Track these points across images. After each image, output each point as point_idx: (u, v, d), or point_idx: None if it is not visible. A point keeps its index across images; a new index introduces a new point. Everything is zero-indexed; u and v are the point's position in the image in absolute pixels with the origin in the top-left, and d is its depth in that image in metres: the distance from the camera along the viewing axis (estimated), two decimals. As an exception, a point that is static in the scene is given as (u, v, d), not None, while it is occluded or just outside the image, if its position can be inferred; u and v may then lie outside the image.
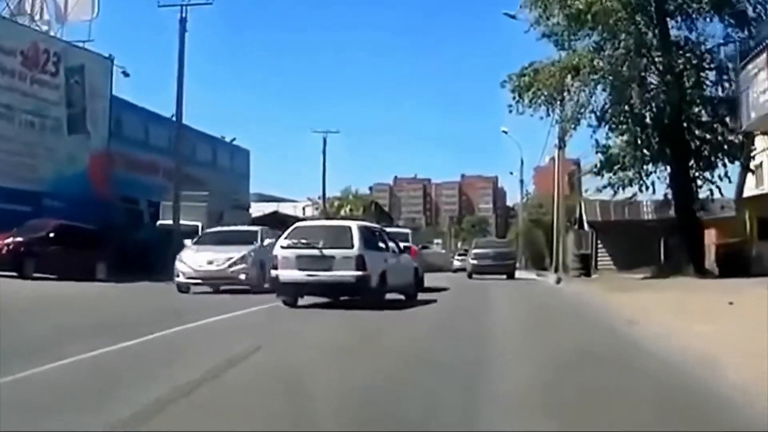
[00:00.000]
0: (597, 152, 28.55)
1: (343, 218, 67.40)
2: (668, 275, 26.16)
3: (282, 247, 15.13)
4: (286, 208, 69.96)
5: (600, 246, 42.06)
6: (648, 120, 27.85)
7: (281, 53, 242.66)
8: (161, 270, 23.40)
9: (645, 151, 27.74)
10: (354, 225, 15.58)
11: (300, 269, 14.71)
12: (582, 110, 28.07)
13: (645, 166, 27.93)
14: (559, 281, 26.48)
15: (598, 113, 28.26)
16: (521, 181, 64.91)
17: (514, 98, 28.09)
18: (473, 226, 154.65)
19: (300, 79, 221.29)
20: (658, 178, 28.35)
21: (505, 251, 36.40)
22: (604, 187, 28.25)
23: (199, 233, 35.38)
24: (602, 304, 15.95)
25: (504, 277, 32.70)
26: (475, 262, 34.57)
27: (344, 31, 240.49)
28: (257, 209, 62.42)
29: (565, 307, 16.83)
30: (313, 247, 14.76)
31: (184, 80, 32.97)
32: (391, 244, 16.78)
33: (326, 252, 14.67)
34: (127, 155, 39.94)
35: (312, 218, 67.95)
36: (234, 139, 55.36)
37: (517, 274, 36.21)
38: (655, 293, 17.34)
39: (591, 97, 27.92)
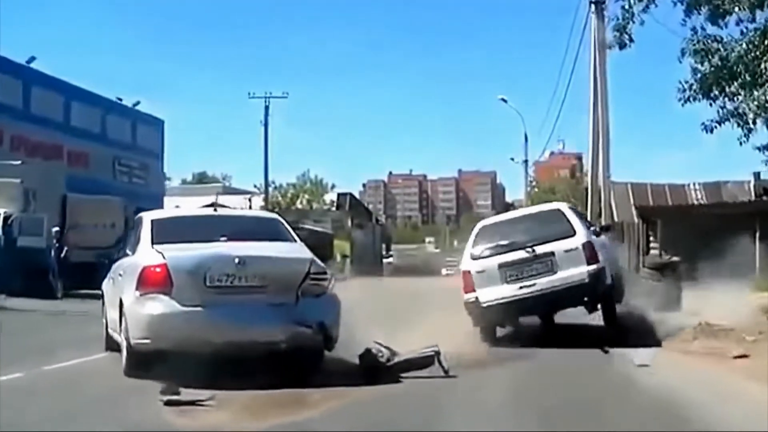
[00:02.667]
0: (696, 53, 13.97)
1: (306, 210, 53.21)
2: None
3: (473, 259, 11.48)
4: (236, 201, 55.98)
5: (652, 244, 28.13)
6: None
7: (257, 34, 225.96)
8: None
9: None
10: (563, 206, 12.54)
11: (508, 282, 11.07)
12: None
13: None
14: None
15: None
16: (525, 162, 50.52)
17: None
18: (471, 224, 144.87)
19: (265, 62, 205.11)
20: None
21: None
22: (719, 121, 13.63)
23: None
24: None
25: None
26: None
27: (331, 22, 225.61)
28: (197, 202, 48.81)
29: None
30: (521, 248, 11.12)
31: None
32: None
33: (539, 249, 11.04)
34: None
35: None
36: (138, 104, 40.63)
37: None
38: None
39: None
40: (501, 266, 11.18)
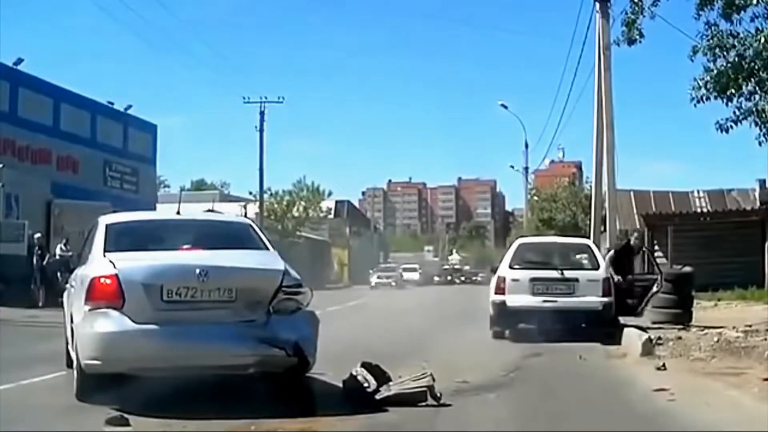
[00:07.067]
0: (710, 49, 13.11)
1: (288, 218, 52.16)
2: None
3: (511, 268, 13.42)
4: (232, 208, 54.86)
5: (657, 252, 27.12)
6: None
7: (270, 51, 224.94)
8: None
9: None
10: (590, 242, 15.21)
11: (534, 294, 13.03)
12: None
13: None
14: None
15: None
16: (525, 170, 49.45)
17: None
18: (470, 233, 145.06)
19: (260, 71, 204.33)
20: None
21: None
22: (734, 120, 12.77)
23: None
24: None
25: None
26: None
27: (334, 29, 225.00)
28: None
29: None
30: (553, 268, 13.31)
31: None
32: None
33: (567, 273, 13.12)
34: None
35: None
36: (129, 108, 39.61)
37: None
38: None
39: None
40: (532, 280, 13.08)
